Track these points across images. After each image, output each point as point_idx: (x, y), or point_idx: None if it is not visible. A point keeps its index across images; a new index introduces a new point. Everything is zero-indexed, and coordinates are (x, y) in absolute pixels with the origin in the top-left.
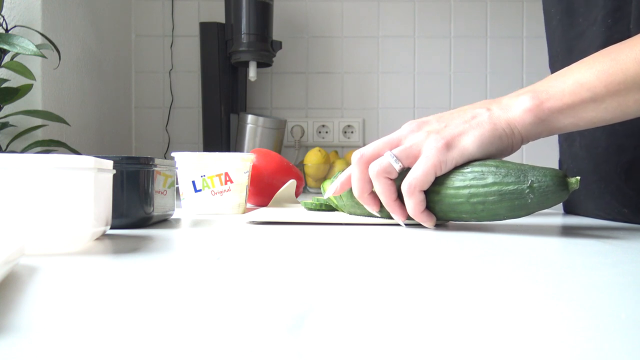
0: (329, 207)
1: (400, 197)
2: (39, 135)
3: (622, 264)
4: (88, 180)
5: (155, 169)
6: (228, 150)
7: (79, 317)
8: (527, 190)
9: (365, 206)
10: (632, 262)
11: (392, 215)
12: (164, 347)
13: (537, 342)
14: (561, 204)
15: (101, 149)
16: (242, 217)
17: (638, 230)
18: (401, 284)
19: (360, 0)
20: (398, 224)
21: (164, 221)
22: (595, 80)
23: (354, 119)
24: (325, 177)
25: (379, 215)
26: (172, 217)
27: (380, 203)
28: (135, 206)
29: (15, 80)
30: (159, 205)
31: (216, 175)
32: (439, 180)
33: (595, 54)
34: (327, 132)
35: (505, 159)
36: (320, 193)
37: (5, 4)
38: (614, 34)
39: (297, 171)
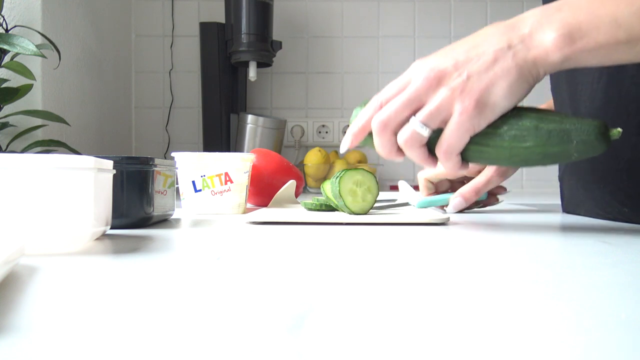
0: (329, 207)
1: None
2: (39, 135)
3: (622, 264)
4: (88, 180)
5: (155, 169)
6: (228, 150)
7: (79, 317)
8: (572, 151)
9: (394, 159)
10: (632, 262)
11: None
12: (164, 347)
13: (537, 342)
14: (560, 203)
15: (101, 149)
16: (242, 217)
17: (638, 230)
18: (401, 284)
19: (360, 0)
20: (399, 224)
21: (164, 221)
22: (634, 20)
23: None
24: (325, 177)
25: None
26: (172, 217)
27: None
28: (135, 206)
29: (15, 80)
30: (159, 205)
31: (216, 175)
32: (475, 140)
33: None
34: (327, 132)
35: None
36: (320, 193)
37: (5, 4)
38: None
39: (297, 171)
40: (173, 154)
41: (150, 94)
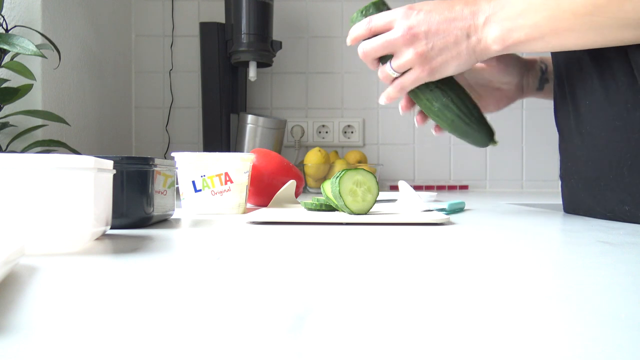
0: (329, 207)
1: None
2: (39, 135)
3: (622, 264)
4: (88, 180)
5: (155, 169)
6: (228, 150)
7: (79, 317)
8: (467, 142)
9: (369, 64)
10: (632, 262)
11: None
12: (164, 347)
13: (537, 342)
14: (562, 202)
15: (101, 149)
16: (242, 217)
17: (638, 230)
18: (401, 284)
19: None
20: (399, 224)
21: (164, 221)
22: (545, 25)
23: (354, 119)
24: (325, 177)
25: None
26: (172, 217)
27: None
28: (135, 206)
29: (15, 80)
30: (159, 205)
31: (216, 175)
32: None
33: None
34: (327, 132)
35: None
36: (320, 193)
37: (5, 4)
38: None
39: (297, 171)
40: (173, 154)
41: (150, 94)
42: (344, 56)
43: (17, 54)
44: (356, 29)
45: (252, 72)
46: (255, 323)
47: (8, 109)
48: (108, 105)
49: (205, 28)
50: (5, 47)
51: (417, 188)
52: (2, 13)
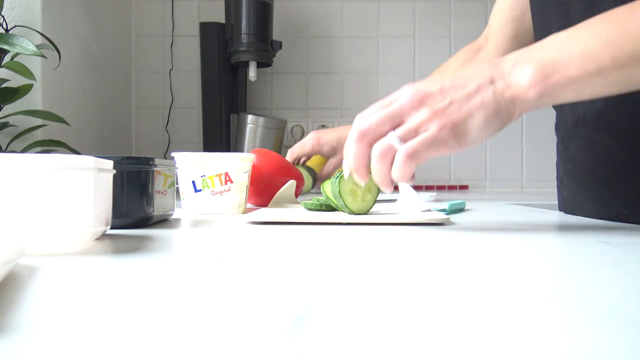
0: (329, 207)
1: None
2: (39, 135)
3: (622, 264)
4: (88, 180)
5: (155, 169)
6: (228, 150)
7: (79, 317)
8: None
9: (357, 177)
10: (632, 262)
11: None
12: (164, 347)
13: (537, 342)
14: (558, 204)
15: (101, 149)
16: (242, 217)
17: (638, 230)
18: (401, 284)
19: (360, 0)
20: (399, 224)
21: (164, 221)
22: (602, 52)
23: (353, 119)
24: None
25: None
26: (172, 217)
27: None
28: (135, 206)
29: (15, 80)
30: (159, 205)
31: (216, 175)
32: None
33: (600, 17)
34: None
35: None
36: (320, 193)
37: (5, 4)
38: None
39: (297, 171)
40: (173, 154)
41: (150, 94)
42: (344, 56)
43: (17, 54)
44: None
45: (252, 72)
46: (255, 323)
47: (8, 109)
48: (108, 105)
49: (205, 28)
50: (5, 47)
51: (417, 188)
52: (2, 13)
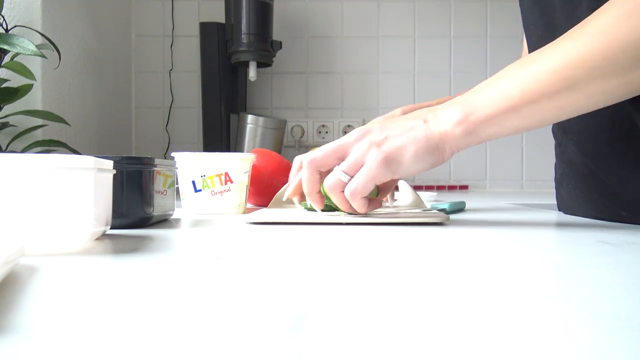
0: (328, 207)
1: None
2: (39, 135)
3: (622, 264)
4: (88, 180)
5: (155, 169)
6: (228, 150)
7: (79, 317)
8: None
9: (312, 204)
10: (632, 262)
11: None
12: (164, 347)
13: (537, 342)
14: (557, 206)
15: (101, 149)
16: (242, 217)
17: (637, 230)
18: (401, 284)
19: (360, 0)
20: (399, 224)
21: (164, 221)
22: (513, 90)
23: (354, 119)
24: None
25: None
26: (172, 217)
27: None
28: (135, 206)
29: (15, 80)
30: (159, 205)
31: (216, 175)
32: None
33: (517, 62)
34: (327, 132)
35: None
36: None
37: (5, 4)
38: None
39: None
40: (173, 154)
41: (150, 94)
42: (344, 56)
43: (17, 54)
44: (295, 179)
45: (252, 72)
46: (255, 323)
47: (8, 109)
48: (108, 105)
49: (205, 28)
50: (5, 47)
51: (417, 188)
52: (2, 13)
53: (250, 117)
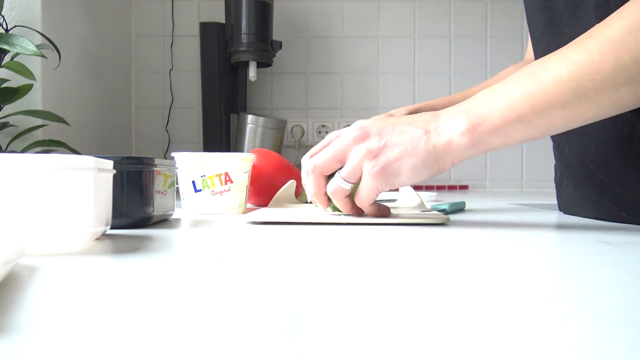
0: (335, 207)
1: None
2: (39, 135)
3: (622, 264)
4: (88, 180)
5: (155, 169)
6: (228, 150)
7: (79, 317)
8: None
9: (319, 205)
10: (632, 262)
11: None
12: (164, 347)
13: (537, 342)
14: (559, 208)
15: (101, 149)
16: (242, 217)
17: (637, 230)
18: (401, 284)
19: (360, 0)
20: (399, 224)
21: (164, 221)
22: (520, 101)
23: (354, 119)
24: None
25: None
26: (172, 217)
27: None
28: (135, 206)
29: (15, 80)
30: (159, 205)
31: (216, 175)
32: None
33: (520, 71)
34: (327, 132)
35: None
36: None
37: (5, 4)
38: None
39: (297, 171)
40: (173, 154)
41: (150, 94)
42: (344, 56)
43: (17, 54)
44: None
45: (252, 72)
46: (255, 323)
47: (8, 109)
48: (108, 105)
49: (205, 28)
50: (5, 47)
51: (417, 188)
52: (2, 13)
53: (250, 117)
